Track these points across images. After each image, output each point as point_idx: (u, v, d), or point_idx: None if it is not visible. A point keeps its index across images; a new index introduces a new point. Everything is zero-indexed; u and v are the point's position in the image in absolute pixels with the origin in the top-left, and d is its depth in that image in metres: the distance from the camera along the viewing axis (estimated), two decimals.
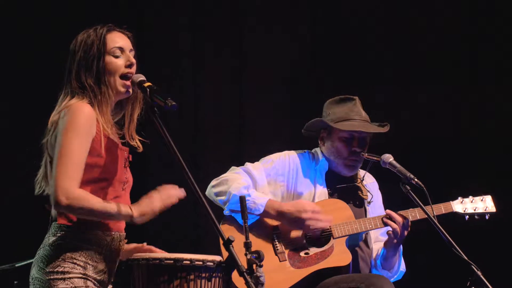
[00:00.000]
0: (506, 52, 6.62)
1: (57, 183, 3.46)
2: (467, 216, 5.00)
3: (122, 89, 3.68)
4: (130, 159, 3.77)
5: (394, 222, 4.81)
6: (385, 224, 4.87)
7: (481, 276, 4.12)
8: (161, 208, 3.62)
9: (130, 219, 3.58)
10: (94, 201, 3.50)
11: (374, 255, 5.04)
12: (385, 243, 4.90)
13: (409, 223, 4.83)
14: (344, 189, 5.03)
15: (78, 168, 3.50)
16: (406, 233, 4.82)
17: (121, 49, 3.70)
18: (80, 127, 3.52)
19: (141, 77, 3.68)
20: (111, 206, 3.54)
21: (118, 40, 3.71)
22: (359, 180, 5.09)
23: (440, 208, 4.93)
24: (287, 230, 4.85)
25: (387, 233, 4.84)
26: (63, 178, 3.46)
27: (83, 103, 3.59)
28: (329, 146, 5.02)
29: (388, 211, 4.85)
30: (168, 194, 3.65)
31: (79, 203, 3.46)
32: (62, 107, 3.59)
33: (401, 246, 4.93)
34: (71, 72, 3.67)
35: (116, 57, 3.69)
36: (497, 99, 6.64)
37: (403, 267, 5.03)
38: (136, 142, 3.78)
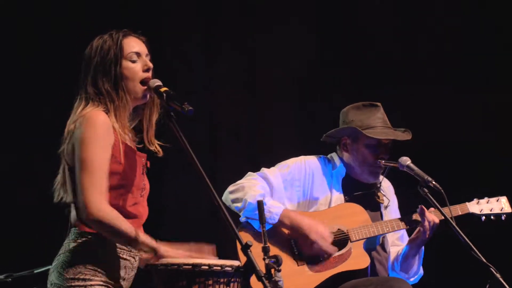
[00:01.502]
0: None
1: (87, 197, 3.45)
2: (484, 217, 5.01)
3: (141, 94, 3.68)
4: (148, 165, 3.77)
5: (426, 218, 4.79)
6: (405, 225, 4.87)
7: (501, 279, 4.10)
8: (186, 257, 3.60)
9: (154, 252, 3.56)
10: (123, 223, 3.50)
11: (392, 258, 5.03)
12: (410, 241, 4.92)
13: (438, 224, 4.81)
14: (360, 195, 5.03)
15: (104, 180, 3.49)
16: (432, 233, 4.80)
17: (138, 54, 3.70)
18: (99, 137, 3.51)
19: (158, 82, 3.68)
20: (140, 235, 3.53)
21: (134, 45, 3.71)
22: (377, 185, 5.08)
23: (457, 210, 4.94)
24: None
25: (418, 229, 4.82)
26: (92, 191, 3.45)
27: (98, 111, 3.58)
28: (354, 153, 5.01)
29: (422, 206, 4.82)
30: (199, 252, 3.64)
31: (109, 219, 3.46)
32: (77, 116, 3.58)
33: (423, 248, 4.92)
34: (86, 78, 3.66)
35: (133, 61, 3.68)
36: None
37: (421, 270, 5.02)
38: (155, 147, 3.77)
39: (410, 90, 6.68)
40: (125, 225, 3.50)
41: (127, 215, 3.60)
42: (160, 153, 3.78)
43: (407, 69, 6.71)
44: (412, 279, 5.03)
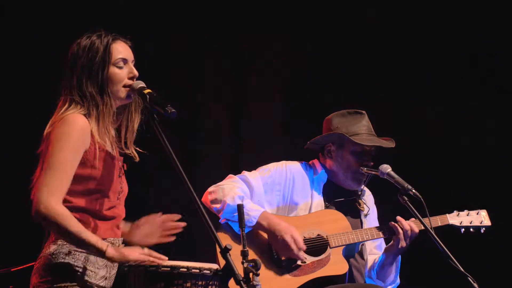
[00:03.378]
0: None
1: (39, 193, 3.45)
2: (463, 229, 5.03)
3: (124, 95, 3.68)
4: (125, 168, 3.76)
5: (402, 228, 4.81)
6: (384, 234, 4.89)
7: None
8: (136, 261, 3.58)
9: (101, 255, 3.51)
10: (72, 223, 3.45)
11: (368, 265, 5.04)
12: (386, 249, 4.93)
13: (417, 234, 4.83)
14: (341, 201, 5.04)
15: (63, 181, 3.48)
16: (409, 242, 4.82)
17: (125, 61, 3.69)
18: (71, 139, 3.50)
19: (141, 84, 3.68)
20: (87, 235, 3.48)
21: (122, 50, 3.70)
22: (357, 193, 5.10)
23: (437, 221, 4.96)
24: None
25: (393, 238, 4.84)
26: (46, 190, 3.44)
27: (78, 115, 3.57)
28: (338, 159, 5.02)
29: (399, 217, 4.84)
30: (150, 256, 3.59)
31: (55, 218, 3.43)
32: (57, 118, 3.57)
33: (400, 257, 4.94)
34: (71, 78, 3.64)
35: (120, 68, 3.68)
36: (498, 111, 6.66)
37: (398, 279, 5.04)
38: (132, 152, 3.77)
39: (392, 100, 6.71)
40: (74, 226, 3.45)
41: (103, 218, 3.61)
42: (137, 158, 3.77)
43: (393, 80, 6.74)
44: (390, 285, 5.04)
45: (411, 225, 4.83)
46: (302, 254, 4.77)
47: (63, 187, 3.48)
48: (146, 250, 3.60)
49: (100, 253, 3.51)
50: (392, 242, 4.89)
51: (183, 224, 3.82)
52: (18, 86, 6.11)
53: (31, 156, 3.67)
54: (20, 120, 6.01)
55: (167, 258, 3.63)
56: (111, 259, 3.54)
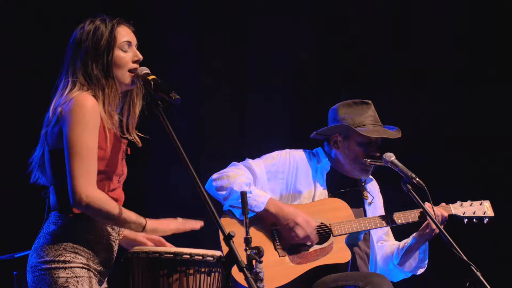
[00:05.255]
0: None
1: (77, 181, 3.47)
2: (466, 220, 5.03)
3: (129, 81, 3.68)
4: (129, 152, 3.77)
5: (434, 213, 4.78)
6: (387, 224, 4.90)
7: (481, 277, 4.12)
8: (174, 231, 3.68)
9: (142, 229, 3.60)
10: (113, 205, 3.53)
11: (383, 254, 5.03)
12: (418, 234, 4.90)
13: (446, 219, 4.86)
14: (345, 191, 5.04)
15: (93, 164, 3.52)
16: (443, 225, 4.80)
17: (129, 44, 3.71)
18: (89, 121, 3.52)
19: (146, 70, 3.69)
20: (127, 214, 3.57)
21: (126, 34, 3.71)
22: (361, 182, 5.10)
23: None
24: None
25: (425, 223, 4.83)
26: (82, 176, 3.48)
27: (87, 94, 3.57)
28: (345, 150, 5.01)
29: (428, 204, 4.79)
30: (186, 224, 3.71)
31: (99, 204, 3.49)
32: (65, 99, 3.57)
33: (428, 243, 4.94)
34: (75, 61, 3.65)
35: (124, 51, 3.69)
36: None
37: (425, 263, 5.02)
38: (134, 137, 3.78)
39: (397, 90, 6.72)
40: (114, 207, 3.53)
41: None
42: (140, 144, 3.78)
43: (396, 69, 6.74)
44: (420, 271, 5.03)
45: (441, 210, 4.85)
46: (314, 236, 4.76)
47: (95, 171, 3.53)
48: (180, 219, 3.70)
49: (141, 227, 3.59)
50: (423, 227, 4.87)
51: (200, 224, 3.82)
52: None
53: (32, 138, 3.68)
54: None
55: (199, 226, 3.73)
56: (153, 232, 3.63)
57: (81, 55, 3.64)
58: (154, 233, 3.66)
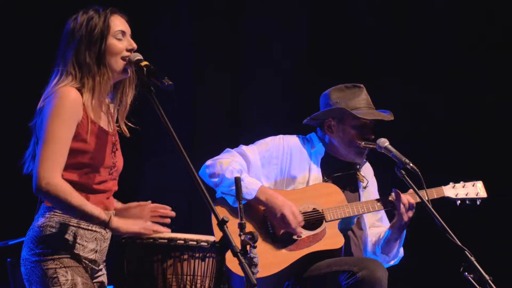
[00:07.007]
0: None
1: (39, 168, 3.47)
2: (459, 201, 5.04)
3: (121, 68, 3.67)
4: (118, 143, 3.76)
5: (400, 202, 4.81)
6: (380, 207, 4.90)
7: (475, 262, 4.12)
8: (136, 233, 3.61)
9: (105, 225, 3.57)
10: (74, 196, 3.48)
11: (373, 240, 5.04)
12: (391, 226, 4.93)
13: (414, 204, 4.85)
14: (339, 175, 5.04)
15: (61, 154, 3.50)
16: (411, 214, 4.83)
17: (123, 33, 3.70)
18: (65, 112, 3.51)
19: (138, 56, 3.67)
20: (90, 207, 3.52)
21: (119, 23, 3.70)
22: (356, 166, 5.10)
23: (432, 193, 4.97)
24: None
25: (395, 212, 4.86)
26: (46, 163, 3.46)
27: (70, 88, 3.56)
28: (340, 134, 5.01)
29: (396, 190, 4.84)
30: (152, 228, 3.63)
31: (57, 191, 3.45)
32: (49, 92, 3.58)
33: (404, 232, 4.95)
34: (67, 50, 3.64)
35: (118, 40, 3.68)
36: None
37: (401, 252, 5.05)
38: (123, 128, 3.78)
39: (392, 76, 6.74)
40: (77, 199, 3.49)
41: (93, 191, 3.61)
42: (127, 134, 3.77)
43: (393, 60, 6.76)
44: (392, 262, 5.05)
45: (408, 197, 4.85)
46: (300, 229, 4.78)
47: (62, 161, 3.50)
48: (149, 222, 3.65)
49: (104, 223, 3.55)
50: (395, 218, 4.90)
51: (172, 214, 3.82)
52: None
53: (27, 129, 3.67)
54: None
55: (169, 230, 3.67)
56: (115, 230, 3.59)
57: (74, 44, 3.63)
58: (116, 232, 3.61)
